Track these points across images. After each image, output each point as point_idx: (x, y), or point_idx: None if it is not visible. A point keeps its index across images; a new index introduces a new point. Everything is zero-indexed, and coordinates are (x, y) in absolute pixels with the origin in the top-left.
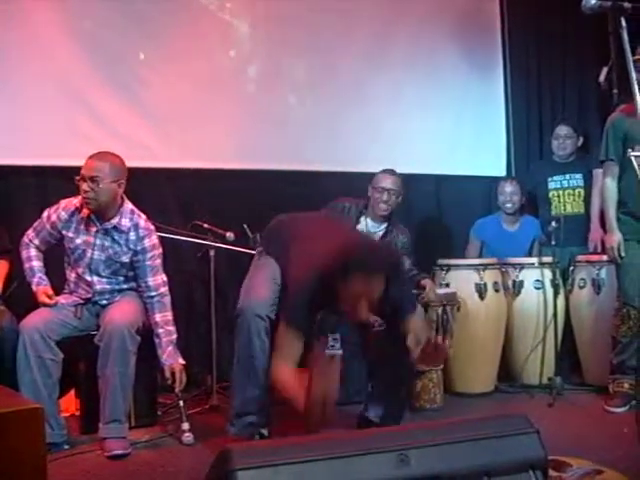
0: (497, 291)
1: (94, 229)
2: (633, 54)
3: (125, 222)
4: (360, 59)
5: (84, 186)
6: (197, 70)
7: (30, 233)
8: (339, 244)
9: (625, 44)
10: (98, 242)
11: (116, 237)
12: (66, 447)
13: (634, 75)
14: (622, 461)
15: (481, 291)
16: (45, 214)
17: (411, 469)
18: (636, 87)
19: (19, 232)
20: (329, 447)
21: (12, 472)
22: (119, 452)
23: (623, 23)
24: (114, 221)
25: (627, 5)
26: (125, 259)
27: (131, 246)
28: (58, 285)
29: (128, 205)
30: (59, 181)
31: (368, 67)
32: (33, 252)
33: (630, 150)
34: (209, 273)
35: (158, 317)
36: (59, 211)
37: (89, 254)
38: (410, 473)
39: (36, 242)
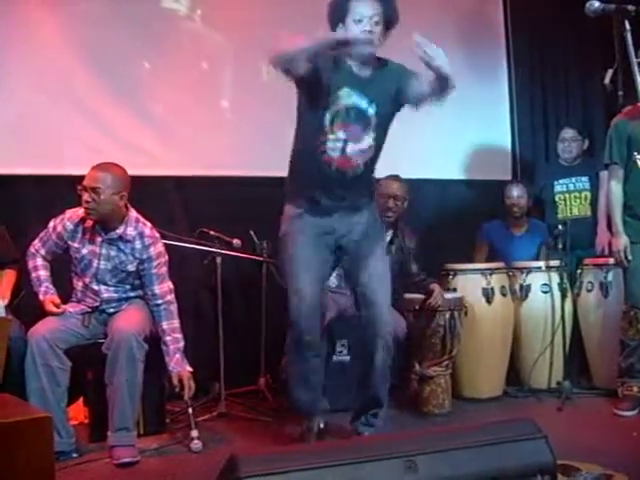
0: (504, 295)
1: (99, 239)
2: (637, 56)
3: (130, 231)
4: None
5: (85, 196)
6: (201, 78)
7: (36, 243)
8: None
9: (629, 46)
10: (104, 252)
11: (122, 246)
12: (75, 455)
13: (639, 78)
14: (631, 465)
15: (488, 295)
16: (51, 224)
17: (418, 475)
18: None
19: (24, 241)
20: (336, 454)
21: None
22: (128, 460)
23: (627, 25)
24: (119, 231)
25: (631, 8)
26: (131, 268)
27: (137, 255)
28: (65, 294)
29: (133, 214)
30: (64, 190)
31: None
32: (40, 262)
33: (636, 153)
34: (216, 280)
35: (165, 325)
36: (64, 221)
37: (95, 264)
38: (417, 479)
39: (42, 252)
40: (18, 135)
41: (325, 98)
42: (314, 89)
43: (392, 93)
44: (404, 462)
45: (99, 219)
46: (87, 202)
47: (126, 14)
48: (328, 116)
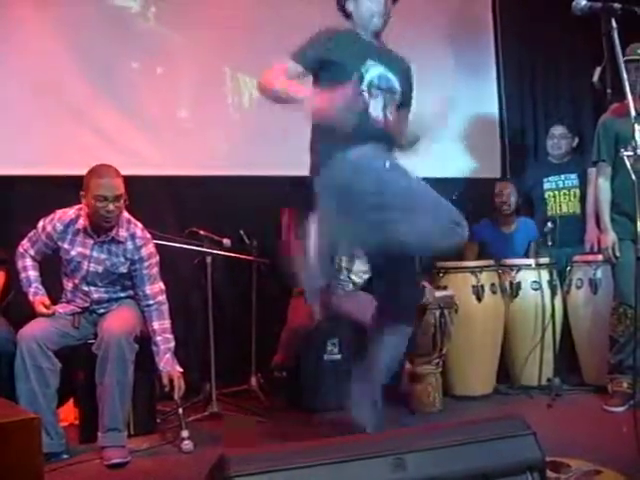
0: (494, 293)
1: (91, 242)
2: (624, 54)
3: (122, 232)
4: None
5: (110, 207)
6: (190, 77)
7: (25, 243)
8: None
9: (616, 45)
10: (95, 255)
11: (113, 249)
12: (65, 456)
13: (625, 75)
14: (621, 461)
15: (478, 293)
16: (40, 224)
17: (407, 473)
18: (627, 87)
19: (15, 242)
20: (325, 452)
21: None
22: (118, 461)
23: (614, 24)
24: (111, 232)
25: (617, 6)
26: (123, 269)
27: (128, 256)
28: (55, 294)
29: (124, 214)
30: (55, 190)
31: None
32: (29, 262)
33: (622, 150)
34: (206, 280)
35: (156, 325)
36: (54, 222)
37: (85, 266)
38: (406, 477)
39: (31, 252)
40: (7, 136)
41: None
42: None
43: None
44: (393, 460)
45: (115, 223)
46: (111, 212)
47: (115, 17)
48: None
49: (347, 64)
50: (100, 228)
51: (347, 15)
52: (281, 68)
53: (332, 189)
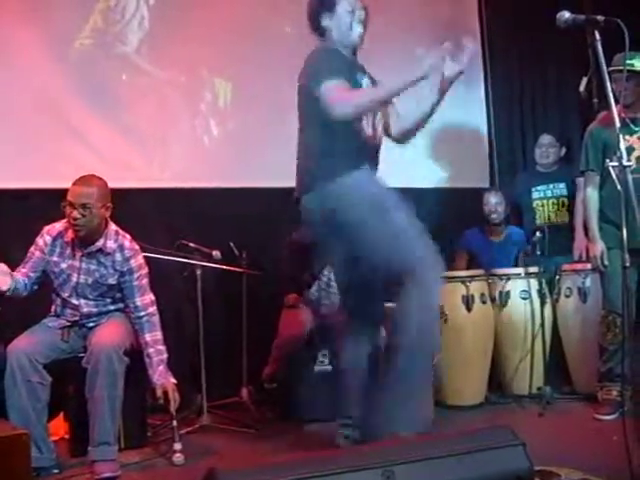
0: (484, 302)
1: (79, 253)
2: (609, 64)
3: (110, 244)
4: None
5: (74, 213)
6: (179, 91)
7: (21, 267)
8: None
9: (600, 56)
10: (84, 266)
11: (102, 260)
12: (55, 471)
13: (609, 86)
14: (611, 469)
15: (468, 303)
16: (34, 244)
17: None
18: (612, 98)
19: (4, 255)
20: (314, 465)
21: None
22: (108, 475)
23: (597, 36)
24: (99, 244)
25: (600, 18)
26: (112, 281)
27: (117, 267)
28: (45, 309)
29: (112, 227)
30: (43, 203)
31: None
32: (17, 274)
33: (608, 160)
34: (196, 292)
35: (148, 337)
36: (44, 236)
37: (74, 278)
38: None
39: (23, 269)
40: None
41: None
42: None
43: None
44: (382, 472)
45: (88, 234)
46: (77, 219)
47: (106, 31)
48: None
49: (352, 74)
50: (83, 239)
51: (322, 33)
52: (342, 90)
53: (324, 210)
